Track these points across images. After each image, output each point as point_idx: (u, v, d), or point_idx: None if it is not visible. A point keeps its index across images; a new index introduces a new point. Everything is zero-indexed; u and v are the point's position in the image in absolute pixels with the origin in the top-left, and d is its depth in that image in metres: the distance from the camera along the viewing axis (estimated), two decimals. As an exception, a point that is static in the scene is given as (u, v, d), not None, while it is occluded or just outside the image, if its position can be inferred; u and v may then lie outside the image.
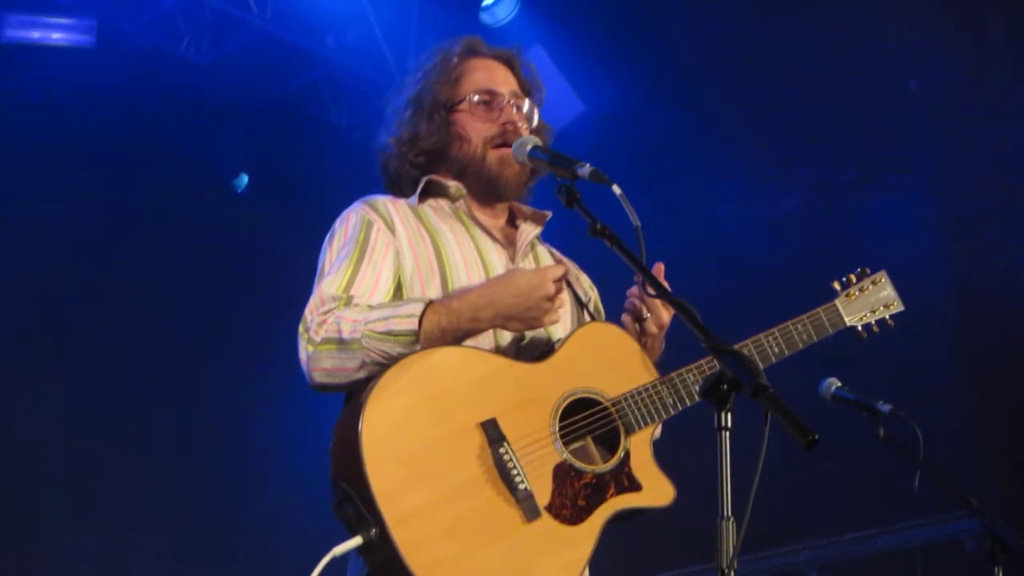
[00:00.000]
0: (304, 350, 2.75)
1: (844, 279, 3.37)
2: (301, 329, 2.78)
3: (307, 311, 2.80)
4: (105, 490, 6.89)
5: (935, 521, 6.29)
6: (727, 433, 2.21)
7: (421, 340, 2.68)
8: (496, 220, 3.14)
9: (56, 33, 6.57)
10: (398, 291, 2.90)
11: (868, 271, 3.42)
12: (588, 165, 2.70)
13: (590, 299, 3.20)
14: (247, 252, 7.50)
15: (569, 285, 3.10)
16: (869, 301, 3.38)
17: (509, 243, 3.08)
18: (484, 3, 7.34)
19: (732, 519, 2.16)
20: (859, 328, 3.36)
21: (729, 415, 2.22)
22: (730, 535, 2.16)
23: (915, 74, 6.97)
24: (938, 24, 6.73)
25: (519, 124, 3.08)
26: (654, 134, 7.39)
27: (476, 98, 3.09)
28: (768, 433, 2.18)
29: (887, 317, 3.40)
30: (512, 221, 3.18)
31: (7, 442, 6.51)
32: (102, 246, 7.03)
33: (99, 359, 6.98)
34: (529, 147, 2.91)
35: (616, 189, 2.64)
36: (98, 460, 6.85)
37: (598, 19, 7.36)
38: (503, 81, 3.15)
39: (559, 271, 2.78)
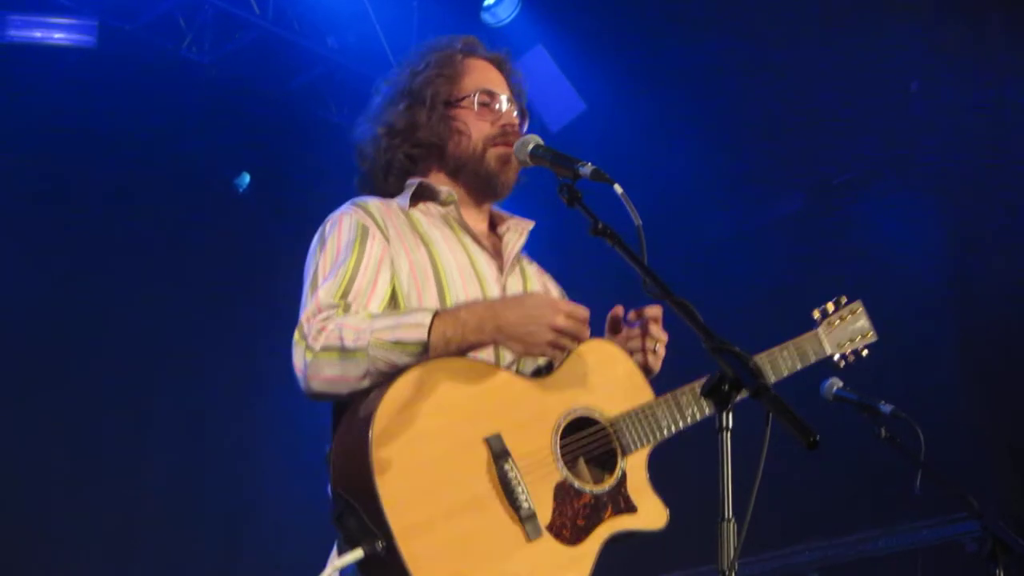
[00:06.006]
0: (301, 358, 2.67)
1: (822, 308, 3.38)
2: (297, 336, 2.70)
3: (303, 318, 2.74)
4: (105, 493, 6.87)
5: (936, 522, 6.28)
6: (728, 434, 2.20)
7: (429, 350, 2.64)
8: (482, 226, 3.12)
9: (58, 33, 6.57)
10: (392, 298, 2.85)
11: (844, 300, 3.43)
12: (589, 164, 2.70)
13: None
14: (248, 251, 7.50)
15: None
16: (847, 331, 3.39)
17: (496, 253, 3.06)
18: (485, 3, 7.34)
19: (733, 520, 2.15)
20: (836, 358, 3.37)
21: (730, 416, 2.21)
22: (731, 537, 2.15)
23: (916, 75, 6.97)
24: (939, 24, 6.73)
25: (517, 126, 3.10)
26: (654, 134, 7.39)
27: (478, 96, 3.09)
28: (769, 434, 2.17)
29: (862, 348, 3.41)
30: (493, 227, 3.16)
31: (8, 444, 6.50)
32: (102, 245, 7.02)
33: (98, 359, 6.97)
34: (531, 146, 2.92)
35: (618, 188, 2.63)
36: (98, 463, 6.84)
37: (599, 19, 7.36)
38: (499, 84, 3.17)
39: (579, 312, 2.74)
